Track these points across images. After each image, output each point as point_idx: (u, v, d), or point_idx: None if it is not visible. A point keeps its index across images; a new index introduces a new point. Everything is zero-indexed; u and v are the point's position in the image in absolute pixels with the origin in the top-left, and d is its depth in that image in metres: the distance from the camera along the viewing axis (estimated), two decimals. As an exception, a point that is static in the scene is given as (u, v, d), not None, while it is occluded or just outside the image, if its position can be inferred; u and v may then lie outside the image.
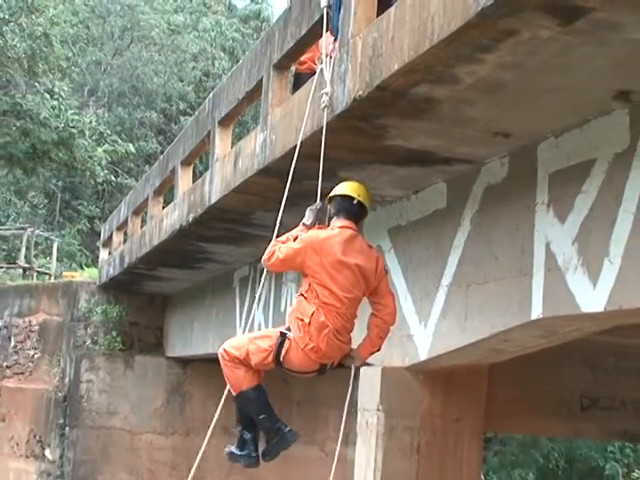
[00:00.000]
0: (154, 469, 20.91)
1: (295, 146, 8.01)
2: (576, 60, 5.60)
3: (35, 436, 22.77)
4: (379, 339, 7.68)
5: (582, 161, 6.72)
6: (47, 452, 22.18)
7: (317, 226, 7.60)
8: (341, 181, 8.76)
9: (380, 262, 7.61)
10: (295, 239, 7.43)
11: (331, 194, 7.65)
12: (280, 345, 7.37)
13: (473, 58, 5.77)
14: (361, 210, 7.63)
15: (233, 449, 7.91)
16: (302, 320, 7.30)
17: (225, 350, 7.63)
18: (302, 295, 7.42)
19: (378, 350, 7.84)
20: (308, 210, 7.70)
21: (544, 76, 5.93)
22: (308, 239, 7.36)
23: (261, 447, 7.82)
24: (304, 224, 7.60)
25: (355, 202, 7.55)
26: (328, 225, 7.60)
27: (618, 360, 10.71)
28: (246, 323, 14.47)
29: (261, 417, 7.71)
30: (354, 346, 7.64)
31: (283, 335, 7.38)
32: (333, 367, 7.57)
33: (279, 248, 7.43)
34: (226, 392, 7.61)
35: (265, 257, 7.52)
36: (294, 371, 7.56)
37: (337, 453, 7.94)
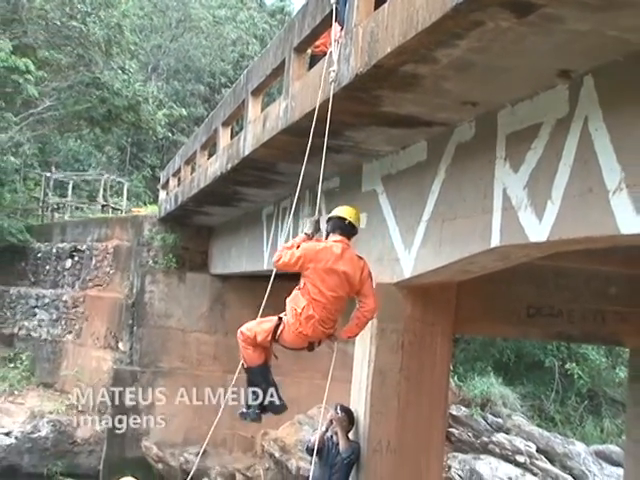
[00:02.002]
0: (200, 359, 21.06)
1: (313, 110, 7.99)
2: (528, 46, 5.56)
3: (111, 332, 22.99)
4: (357, 327, 8.03)
5: (532, 125, 6.68)
6: (120, 345, 22.37)
7: (316, 238, 7.82)
8: (346, 137, 8.78)
9: (365, 269, 7.79)
10: (298, 246, 7.61)
11: (330, 215, 7.95)
12: (276, 327, 7.68)
13: (449, 43, 5.72)
14: (351, 229, 7.89)
15: (243, 409, 8.36)
16: (295, 310, 7.58)
17: (241, 331, 8.06)
18: (299, 289, 7.66)
19: (355, 336, 8.28)
20: (308, 221, 8.02)
21: (503, 58, 5.87)
22: (307, 249, 7.59)
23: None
24: (305, 233, 7.82)
25: (347, 222, 7.82)
26: (327, 235, 7.87)
27: (556, 278, 10.69)
28: (271, 249, 14.48)
29: (262, 386, 8.16)
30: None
31: (280, 319, 7.68)
32: (319, 344, 7.85)
33: (285, 254, 7.62)
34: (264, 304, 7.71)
35: (275, 259, 7.78)
36: (287, 347, 7.87)
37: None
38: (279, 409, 8.38)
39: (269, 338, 7.77)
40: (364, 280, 7.74)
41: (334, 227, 7.85)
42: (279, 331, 7.69)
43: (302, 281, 7.65)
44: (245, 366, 8.10)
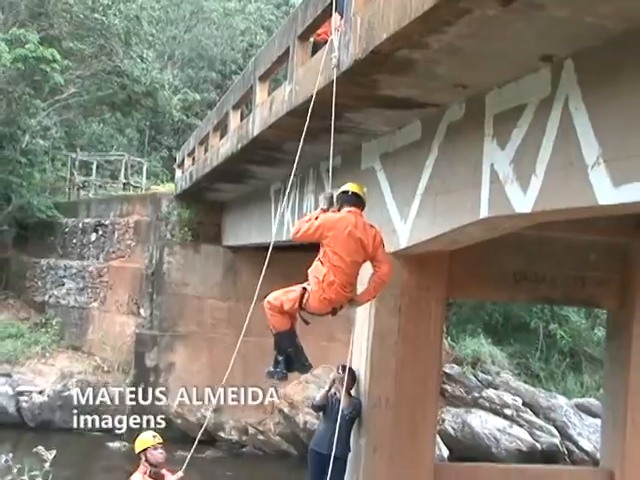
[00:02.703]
0: (215, 323, 21.13)
1: (316, 93, 7.96)
2: (513, 32, 5.51)
3: (133, 300, 23.05)
4: (375, 291, 8.01)
5: (517, 105, 6.65)
6: (141, 311, 22.45)
7: (332, 210, 7.78)
8: (347, 119, 8.75)
9: (377, 237, 7.78)
10: (317, 218, 7.62)
11: (338, 192, 7.91)
12: (302, 296, 7.66)
13: (440, 30, 5.66)
14: (357, 199, 7.85)
15: (270, 368, 8.33)
16: (317, 278, 7.56)
17: (268, 301, 7.98)
18: (319, 260, 7.63)
19: (374, 298, 8.28)
20: (322, 197, 7.99)
21: (490, 44, 5.83)
22: (326, 218, 7.60)
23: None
24: (321, 208, 7.82)
25: (350, 193, 7.81)
26: (338, 210, 7.80)
27: (541, 247, 10.68)
28: (279, 222, 14.48)
29: (289, 350, 8.17)
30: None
31: (304, 289, 7.66)
32: (341, 309, 7.83)
33: (304, 225, 7.65)
34: (264, 270, 7.72)
35: (294, 231, 7.80)
36: (313, 313, 7.83)
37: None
38: (305, 368, 8.51)
39: (296, 306, 7.77)
40: (377, 246, 7.73)
41: (342, 201, 7.84)
42: (304, 299, 7.71)
43: (322, 251, 7.65)
44: (274, 331, 8.14)
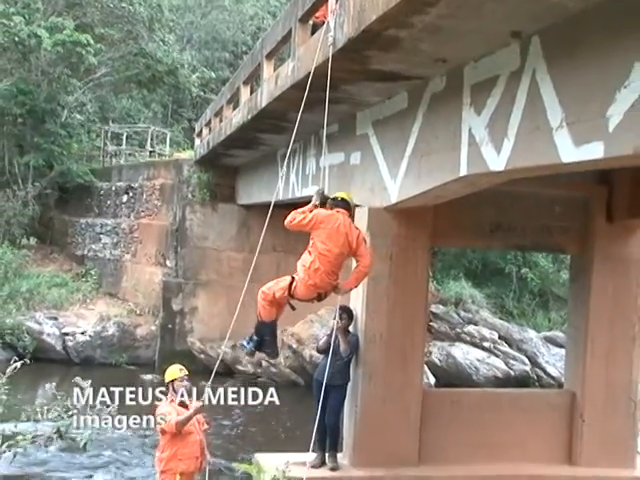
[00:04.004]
0: (231, 272, 21.17)
1: (315, 68, 7.90)
2: (487, 12, 5.46)
3: (160, 252, 23.11)
4: (356, 281, 8.02)
5: (491, 77, 6.61)
6: (167, 262, 22.51)
7: (323, 207, 7.82)
8: (343, 91, 8.72)
9: (360, 235, 7.79)
10: (311, 211, 7.64)
11: (329, 199, 7.96)
12: (291, 284, 7.65)
13: (422, 11, 5.61)
14: (345, 204, 7.91)
15: (244, 342, 8.37)
16: (304, 266, 7.56)
17: (262, 291, 7.96)
18: (308, 250, 7.62)
19: (355, 287, 8.26)
20: (315, 193, 7.98)
21: (467, 22, 5.78)
22: (319, 212, 7.63)
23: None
24: (314, 204, 7.81)
25: (340, 199, 7.91)
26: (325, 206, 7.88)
27: (513, 200, 10.61)
28: (285, 182, 14.46)
29: (266, 337, 8.18)
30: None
31: (293, 278, 7.66)
32: (326, 296, 7.81)
33: (298, 216, 7.63)
34: (266, 224, 7.77)
35: (289, 219, 7.69)
36: (300, 299, 7.79)
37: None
38: (273, 355, 8.63)
39: (285, 294, 7.76)
40: (359, 243, 7.73)
41: (333, 205, 7.91)
42: (293, 287, 7.71)
43: (312, 240, 7.66)
44: (259, 319, 8.12)
